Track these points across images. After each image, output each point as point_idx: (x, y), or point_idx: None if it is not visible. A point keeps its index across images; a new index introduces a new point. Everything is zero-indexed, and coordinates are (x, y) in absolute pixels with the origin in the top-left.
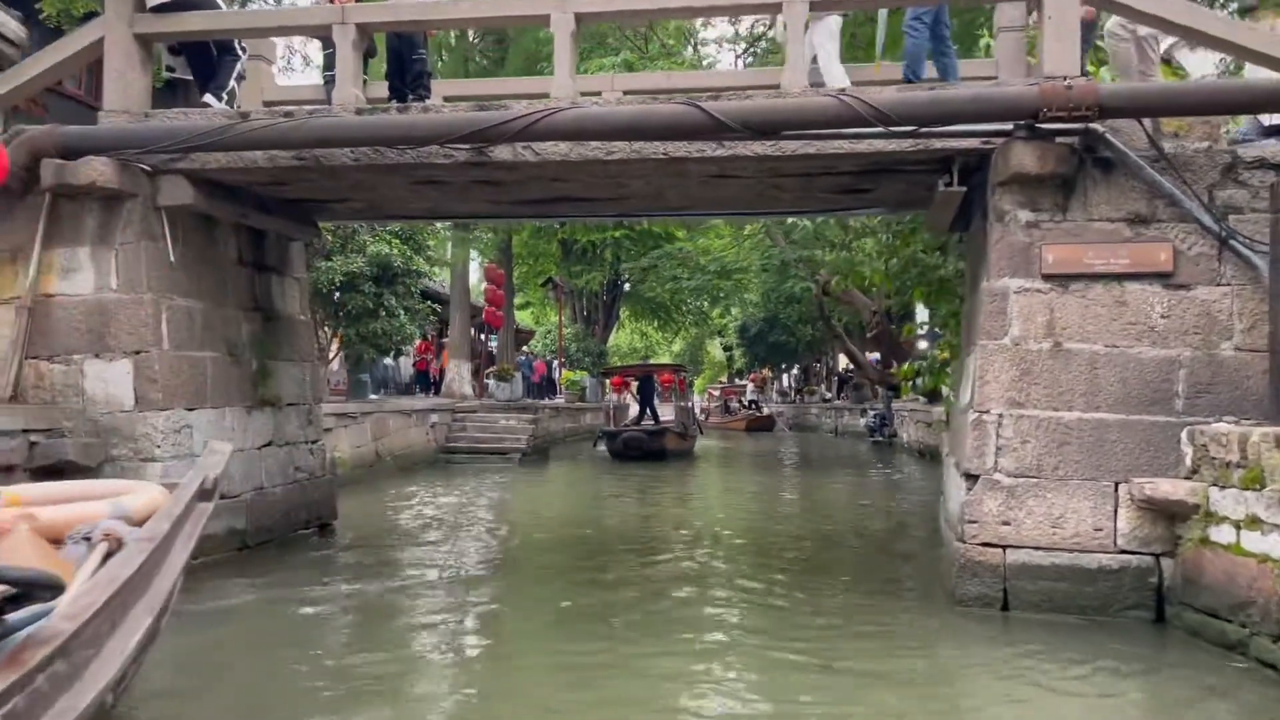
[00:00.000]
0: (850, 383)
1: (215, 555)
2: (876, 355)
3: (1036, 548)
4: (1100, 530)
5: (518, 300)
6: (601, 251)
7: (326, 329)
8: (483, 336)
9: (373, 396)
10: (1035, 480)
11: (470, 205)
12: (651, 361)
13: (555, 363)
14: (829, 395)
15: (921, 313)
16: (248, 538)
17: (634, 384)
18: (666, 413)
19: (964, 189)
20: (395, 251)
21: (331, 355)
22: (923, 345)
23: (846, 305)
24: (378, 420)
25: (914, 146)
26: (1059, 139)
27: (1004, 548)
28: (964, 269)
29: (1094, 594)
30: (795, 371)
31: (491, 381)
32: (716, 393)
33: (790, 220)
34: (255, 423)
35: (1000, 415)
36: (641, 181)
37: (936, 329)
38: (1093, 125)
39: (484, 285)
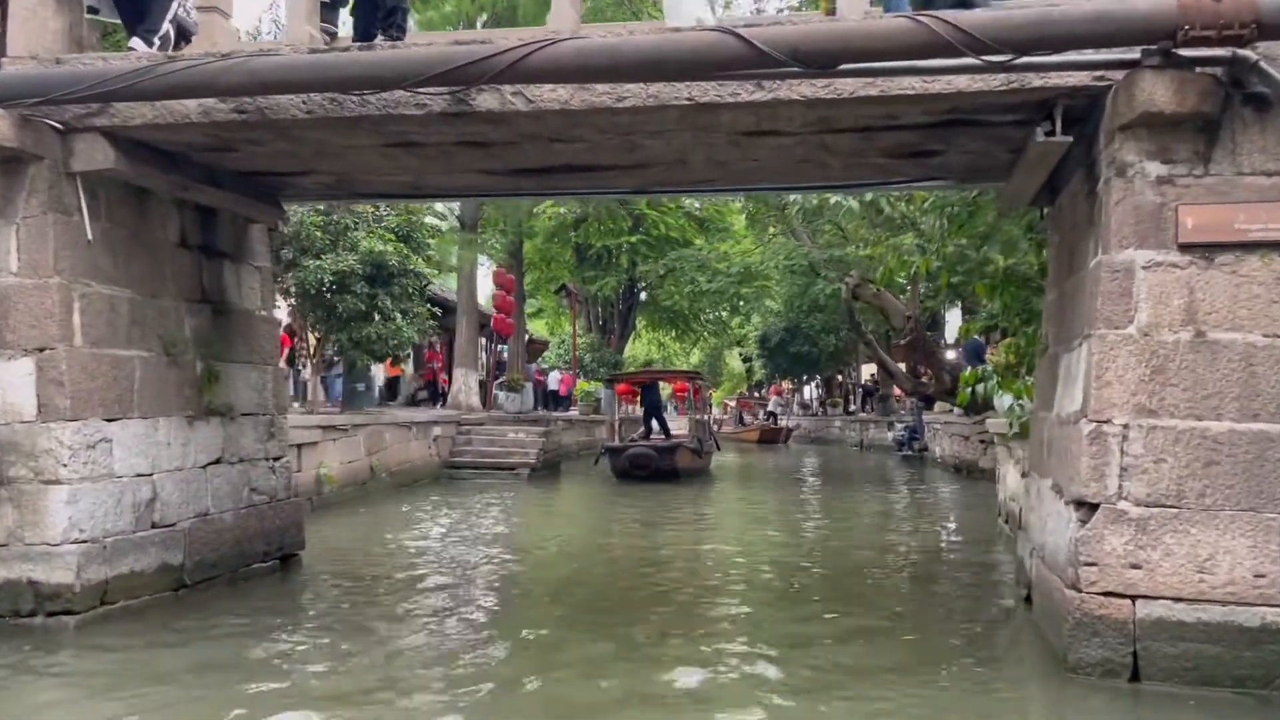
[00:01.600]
0: (875, 394)
1: (140, 598)
2: (902, 365)
3: (1177, 599)
4: (1262, 577)
5: (531, 308)
6: (617, 257)
7: (313, 332)
8: (494, 346)
9: (370, 409)
10: (1174, 510)
11: (458, 178)
12: (664, 368)
13: (555, 374)
14: (853, 407)
15: (953, 318)
16: (186, 575)
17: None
18: (679, 426)
19: (1069, 139)
20: (391, 250)
21: (310, 359)
22: (951, 355)
23: (877, 310)
24: (372, 433)
25: (1005, 85)
26: (1199, 69)
27: (1133, 598)
28: (1048, 251)
29: (1255, 660)
30: (816, 384)
31: (501, 393)
32: (732, 404)
33: (834, 200)
34: (199, 436)
35: (1126, 426)
36: (660, 142)
37: (997, 326)
38: (1242, 51)
39: (493, 291)
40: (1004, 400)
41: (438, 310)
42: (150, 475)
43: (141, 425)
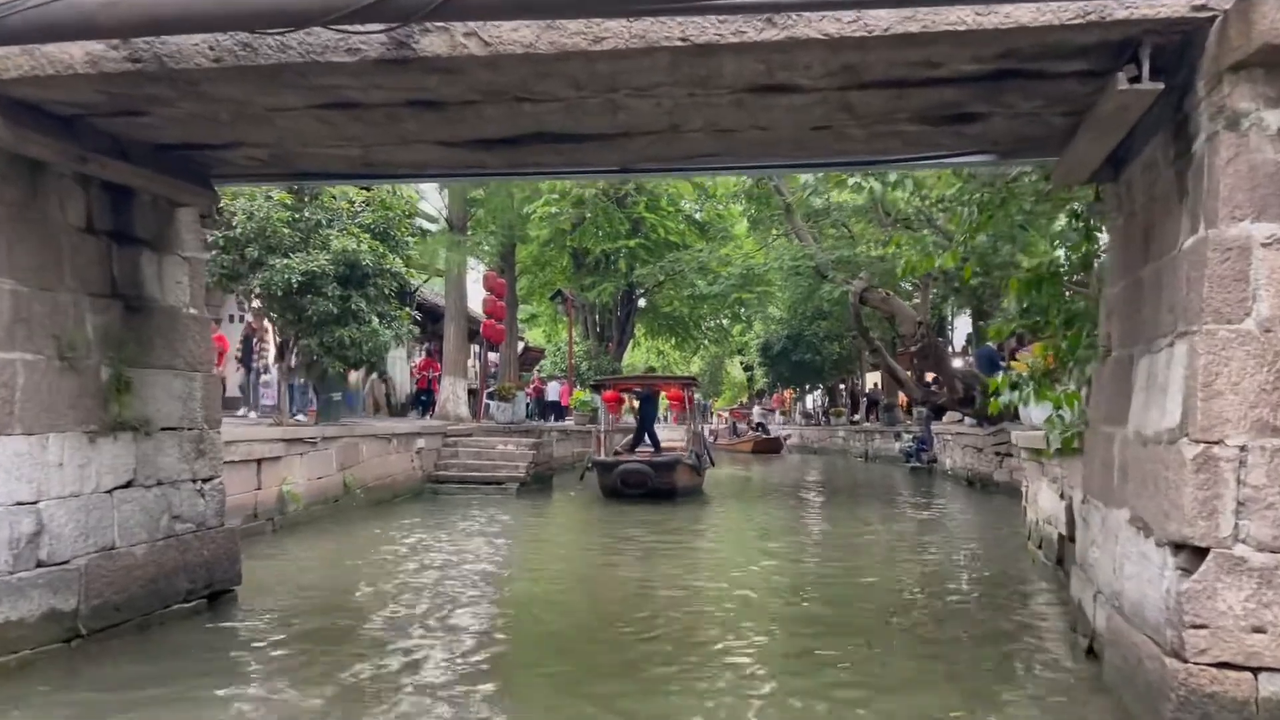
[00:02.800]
0: (880, 403)
1: (19, 652)
2: (907, 373)
3: None
4: None
5: (524, 314)
6: (615, 262)
7: (275, 335)
8: (486, 353)
9: (346, 420)
10: None
11: (412, 151)
12: (656, 373)
13: (554, 384)
14: (856, 417)
15: (961, 324)
16: (82, 622)
17: (635, 400)
18: (674, 437)
19: (1159, 86)
20: (365, 248)
21: (281, 364)
22: (958, 364)
23: (886, 316)
24: (346, 446)
25: (1079, 16)
26: None
27: (1256, 671)
28: (1110, 237)
29: None
30: (819, 393)
31: (492, 402)
32: (725, 414)
33: (851, 183)
34: (103, 456)
35: (1243, 449)
36: (649, 103)
37: (1029, 328)
38: None
39: (484, 296)
40: (1036, 410)
41: (417, 314)
42: (35, 504)
43: (24, 443)
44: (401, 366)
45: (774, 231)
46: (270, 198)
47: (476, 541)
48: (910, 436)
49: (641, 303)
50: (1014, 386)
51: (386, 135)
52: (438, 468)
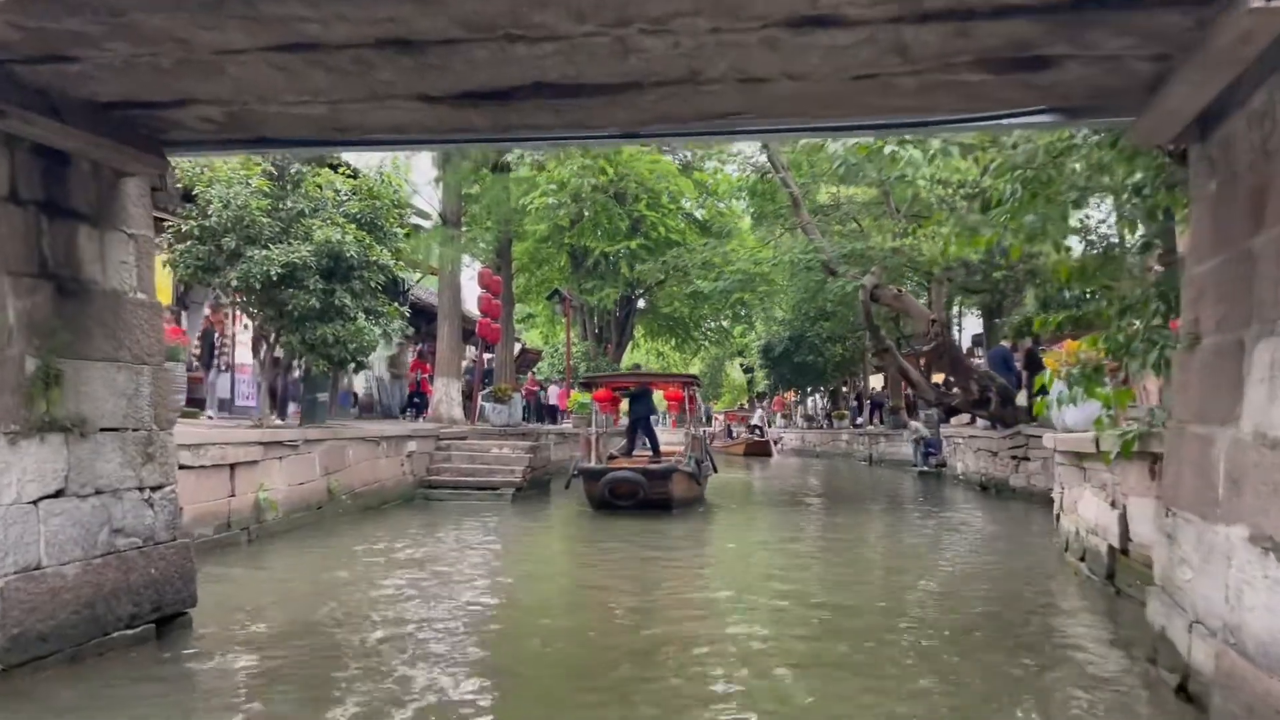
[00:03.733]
0: (884, 406)
1: None
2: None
3: None
4: None
5: (520, 314)
6: (615, 263)
7: (247, 327)
8: (482, 354)
9: (333, 422)
10: None
11: (388, 110)
12: (653, 370)
13: (554, 388)
14: (860, 420)
15: (969, 325)
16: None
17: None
18: (672, 441)
19: None
20: (349, 238)
21: (258, 360)
22: (978, 362)
23: (898, 313)
24: (331, 450)
25: None
26: None
27: None
28: (1195, 206)
29: None
30: (820, 395)
31: (487, 404)
32: (720, 417)
33: (889, 149)
34: (26, 460)
35: None
36: (665, 42)
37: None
38: None
39: (479, 293)
40: (1072, 411)
41: (407, 310)
42: None
43: None
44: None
45: (779, 229)
46: (248, 184)
47: (467, 557)
48: (915, 440)
49: (641, 304)
50: (1069, 382)
51: (356, 88)
52: (430, 472)
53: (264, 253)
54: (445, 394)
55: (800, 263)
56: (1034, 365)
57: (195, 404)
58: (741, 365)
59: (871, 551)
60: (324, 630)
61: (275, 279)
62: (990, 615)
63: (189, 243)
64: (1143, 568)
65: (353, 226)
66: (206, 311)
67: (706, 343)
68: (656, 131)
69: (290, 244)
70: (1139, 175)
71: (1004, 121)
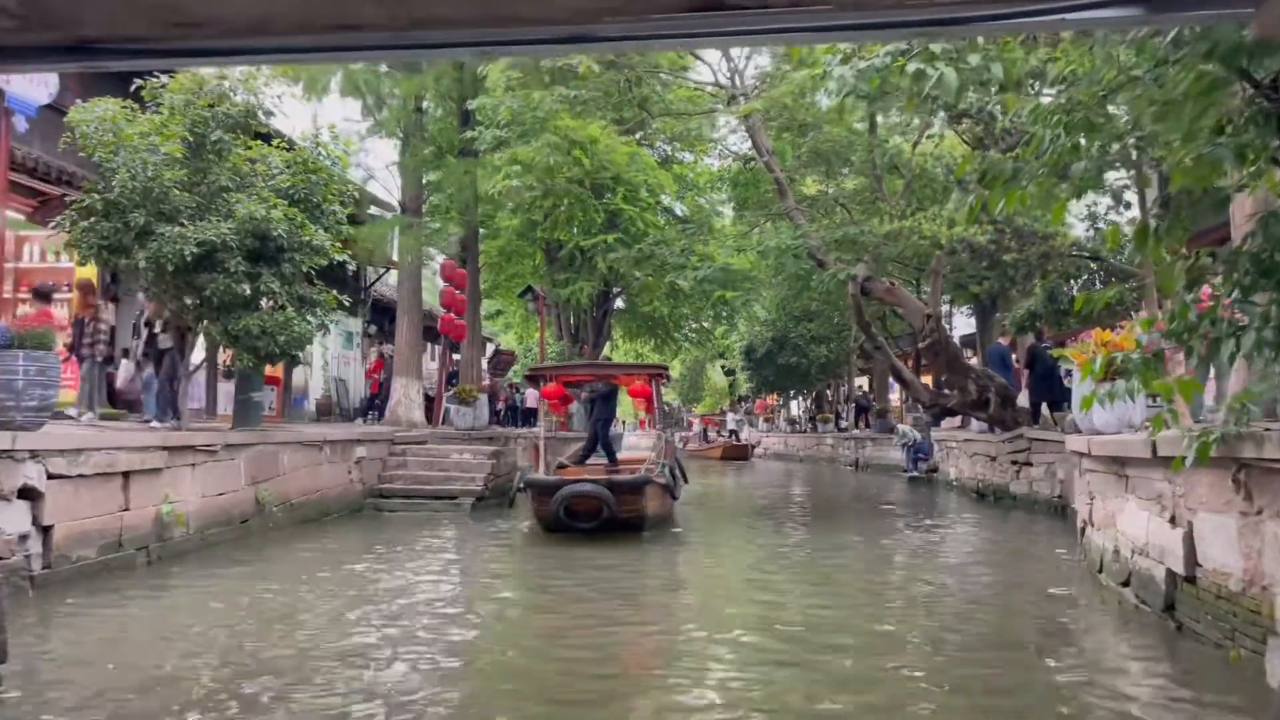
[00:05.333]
0: (870, 409)
1: None
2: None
3: None
4: None
5: (489, 310)
6: (591, 257)
7: (112, 317)
8: (449, 353)
9: (270, 424)
10: None
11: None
12: (613, 361)
13: (533, 392)
14: (845, 423)
15: (960, 324)
16: None
17: (587, 396)
18: (635, 445)
19: None
20: (277, 215)
21: (105, 350)
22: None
23: (889, 310)
24: (261, 455)
25: None
26: None
27: None
28: None
29: None
30: (804, 398)
31: (452, 406)
32: (694, 421)
33: (913, 66)
34: None
35: None
36: None
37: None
38: None
39: (441, 287)
40: (1099, 411)
41: (345, 298)
42: None
43: None
44: (355, 369)
45: (763, 218)
46: (158, 151)
47: (405, 579)
48: (904, 444)
49: (619, 303)
50: (1116, 375)
51: None
52: (382, 480)
53: (178, 230)
54: (404, 395)
55: (787, 250)
56: (1036, 363)
57: (128, 405)
58: (723, 367)
59: (868, 580)
60: (196, 688)
61: (191, 260)
62: (1025, 666)
63: (91, 219)
64: (1216, 600)
65: (283, 202)
66: (141, 298)
67: (687, 344)
68: (612, 36)
69: (207, 220)
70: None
71: (1068, 17)
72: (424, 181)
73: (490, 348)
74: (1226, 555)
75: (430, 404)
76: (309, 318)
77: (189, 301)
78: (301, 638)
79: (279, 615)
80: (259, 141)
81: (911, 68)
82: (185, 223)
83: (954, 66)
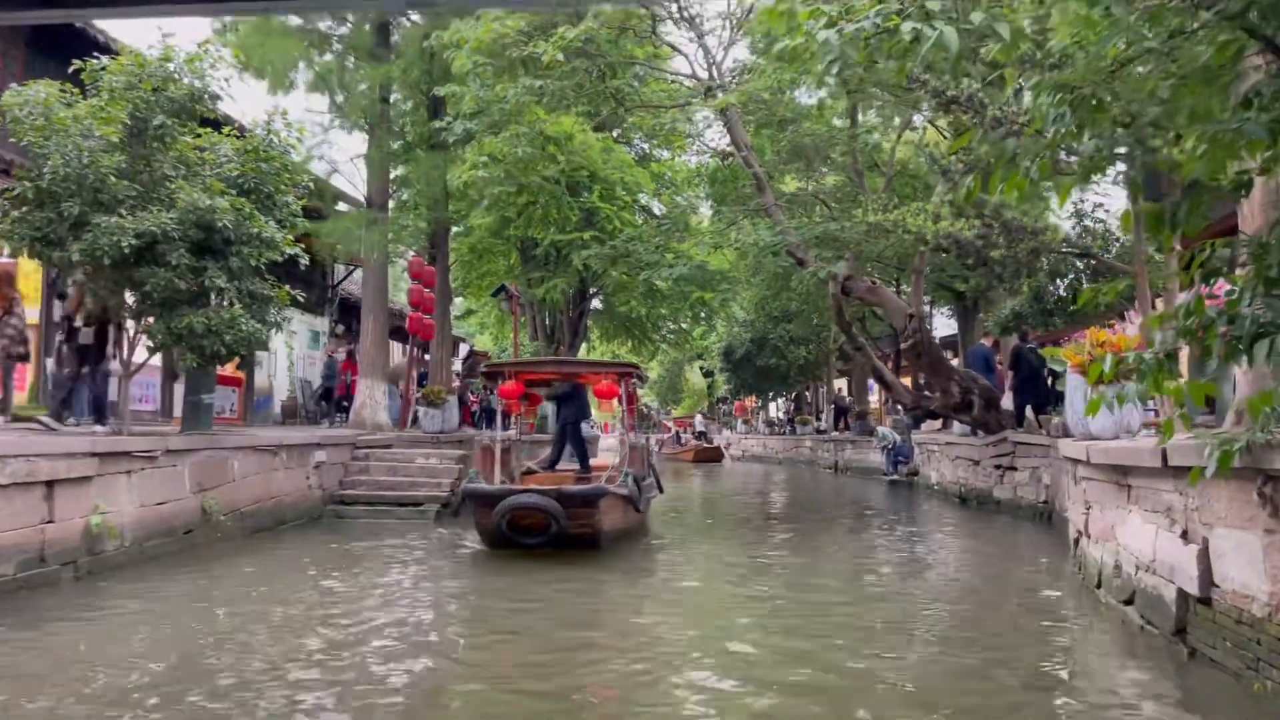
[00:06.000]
0: (850, 410)
1: None
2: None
3: None
4: None
5: (463, 311)
6: (566, 256)
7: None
8: (421, 354)
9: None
10: None
11: None
12: (580, 359)
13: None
14: (824, 425)
15: (940, 325)
16: None
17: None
18: (610, 446)
19: None
20: (223, 205)
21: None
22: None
23: (870, 310)
24: (208, 461)
25: None
26: None
27: None
28: None
29: None
30: (783, 400)
31: (420, 408)
32: (669, 424)
33: (907, 28)
34: None
35: None
36: None
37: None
38: None
39: (409, 285)
40: (1106, 414)
41: (300, 294)
42: None
43: None
44: (321, 370)
45: (740, 215)
46: (92, 135)
47: (356, 599)
48: (883, 446)
49: (596, 303)
50: (1119, 376)
51: None
52: (343, 486)
53: (115, 220)
54: (370, 396)
55: (766, 247)
56: (1020, 365)
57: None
58: (702, 369)
59: (848, 601)
60: None
61: (130, 253)
62: (1023, 695)
63: (24, 209)
64: (1236, 625)
65: (232, 192)
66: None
67: (665, 345)
68: None
69: (150, 211)
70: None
71: None
72: (392, 176)
73: (464, 348)
74: (1249, 576)
75: (399, 404)
76: (267, 317)
77: (129, 298)
78: (228, 665)
79: (211, 640)
80: (209, 129)
81: (907, 27)
82: (124, 213)
83: (954, 24)
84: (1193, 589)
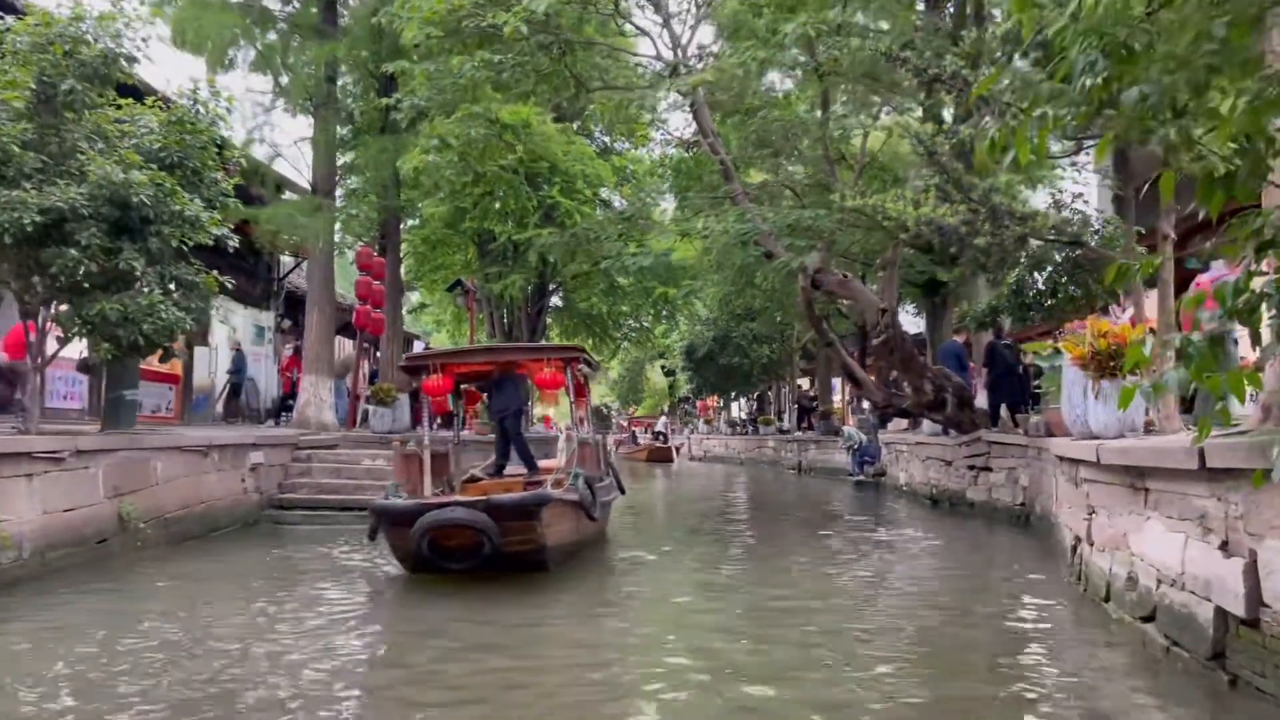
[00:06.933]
0: (814, 410)
1: None
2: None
3: None
4: None
5: (418, 306)
6: (524, 251)
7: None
8: (371, 350)
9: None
10: None
11: None
12: (516, 344)
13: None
14: (787, 425)
15: (906, 322)
16: None
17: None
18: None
19: None
20: (140, 179)
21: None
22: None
23: (838, 306)
24: (126, 463)
25: None
26: None
27: None
28: None
29: None
30: (746, 400)
31: (370, 407)
32: (625, 424)
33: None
34: None
35: None
36: None
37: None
38: None
39: (357, 278)
40: (1103, 409)
41: (229, 281)
42: None
43: None
44: (267, 366)
45: (708, 205)
46: None
47: (280, 619)
48: (848, 446)
49: (556, 300)
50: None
51: None
52: (282, 489)
53: (17, 194)
54: (314, 394)
55: (734, 235)
56: (995, 362)
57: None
58: (663, 368)
59: (820, 623)
60: None
61: (32, 231)
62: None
63: None
64: None
65: (152, 166)
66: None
67: (626, 343)
68: None
69: (58, 185)
70: None
71: None
72: (340, 163)
73: (419, 346)
74: None
75: (347, 403)
76: (192, 304)
77: (35, 281)
78: (131, 696)
79: (116, 665)
80: (130, 99)
81: None
82: (30, 187)
83: None
84: (1236, 608)
